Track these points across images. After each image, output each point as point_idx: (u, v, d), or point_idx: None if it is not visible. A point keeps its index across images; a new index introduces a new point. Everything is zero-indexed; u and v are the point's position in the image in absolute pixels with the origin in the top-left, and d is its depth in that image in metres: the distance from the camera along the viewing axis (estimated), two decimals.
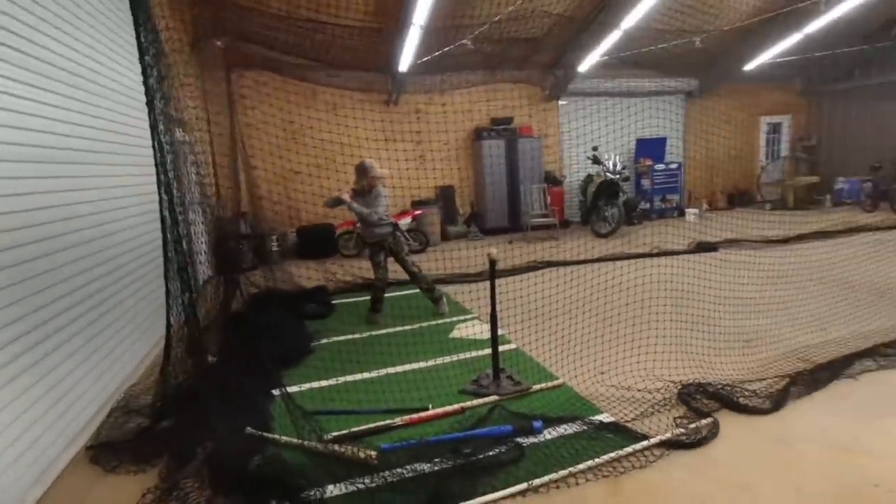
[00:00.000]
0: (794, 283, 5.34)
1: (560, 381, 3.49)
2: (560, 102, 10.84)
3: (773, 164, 12.31)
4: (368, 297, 5.18)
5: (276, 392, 3.49)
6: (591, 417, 2.97)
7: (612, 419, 2.95)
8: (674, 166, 11.09)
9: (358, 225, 8.60)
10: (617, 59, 9.45)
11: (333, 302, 5.76)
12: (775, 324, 4.32)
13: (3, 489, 2.32)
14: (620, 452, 2.59)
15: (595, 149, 9.39)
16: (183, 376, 3.53)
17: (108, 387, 3.54)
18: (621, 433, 2.79)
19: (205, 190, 4.50)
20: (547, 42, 9.10)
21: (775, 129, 12.69)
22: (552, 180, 10.36)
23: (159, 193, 3.18)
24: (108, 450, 2.86)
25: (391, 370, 3.83)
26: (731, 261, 6.02)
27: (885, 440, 2.67)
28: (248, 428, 2.94)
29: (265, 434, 2.91)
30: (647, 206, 11.01)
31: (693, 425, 2.81)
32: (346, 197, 4.79)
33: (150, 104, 3.01)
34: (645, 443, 2.66)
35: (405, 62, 8.44)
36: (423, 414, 3.07)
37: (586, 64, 9.39)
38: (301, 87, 8.92)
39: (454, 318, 5.08)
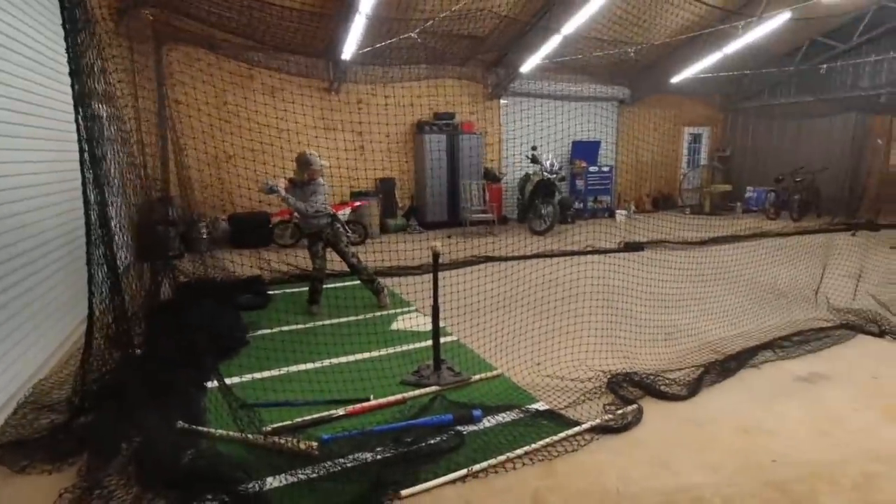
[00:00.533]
0: (709, 282, 5.82)
1: (498, 371, 3.61)
2: (502, 101, 11.07)
3: (693, 171, 13.28)
4: (307, 289, 5.08)
5: (209, 384, 3.36)
6: (528, 406, 3.10)
7: (546, 407, 3.10)
8: (606, 169, 11.67)
9: (295, 215, 8.39)
10: (557, 63, 9.80)
11: (270, 292, 5.58)
12: (693, 318, 4.70)
13: None
14: (554, 438, 2.73)
15: (534, 148, 9.69)
16: (105, 369, 3.30)
17: (13, 382, 3.24)
18: (555, 420, 2.95)
19: (130, 169, 4.20)
20: (491, 41, 9.26)
21: (696, 139, 13.68)
22: (491, 177, 10.57)
23: (82, 172, 2.94)
24: (16, 448, 2.63)
25: (332, 361, 3.79)
26: (655, 260, 6.47)
27: (780, 421, 3.00)
28: (180, 422, 2.81)
29: (198, 427, 2.80)
30: (581, 206, 11.52)
31: (620, 412, 3.01)
32: (281, 189, 4.64)
33: (73, 74, 2.77)
34: (577, 428, 2.82)
35: (349, 50, 8.27)
36: (364, 404, 3.07)
37: (528, 65, 9.65)
38: (238, 67, 8.50)
39: (395, 311, 5.09)
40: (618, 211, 11.41)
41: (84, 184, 2.96)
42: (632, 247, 8.00)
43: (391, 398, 3.16)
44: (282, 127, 8.45)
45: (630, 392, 3.28)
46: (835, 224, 9.62)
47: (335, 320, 4.75)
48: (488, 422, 2.93)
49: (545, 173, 9.64)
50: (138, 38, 5.09)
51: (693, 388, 3.32)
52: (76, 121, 2.86)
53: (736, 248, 7.70)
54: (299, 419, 2.90)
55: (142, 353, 3.71)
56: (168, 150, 5.88)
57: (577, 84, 11.27)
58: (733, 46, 9.66)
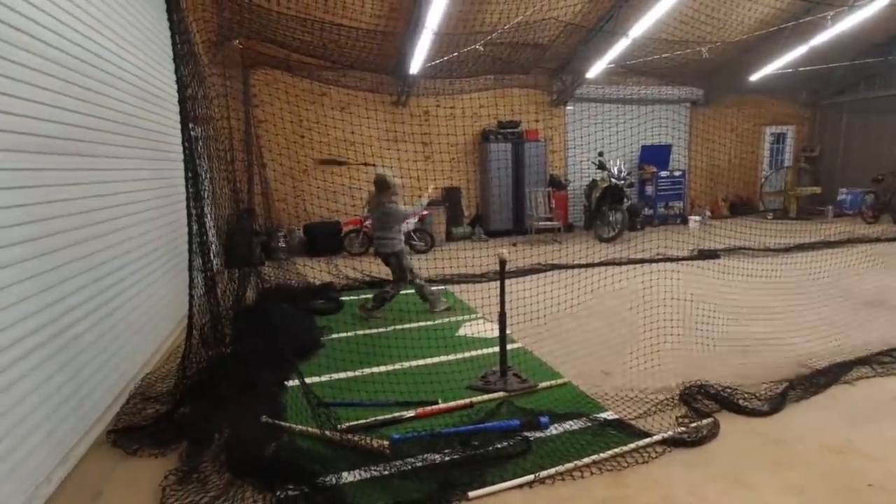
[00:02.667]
0: (794, 292, 5.44)
1: (565, 379, 3.59)
2: (567, 108, 10.96)
3: (776, 173, 12.42)
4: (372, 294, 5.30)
5: (288, 383, 3.60)
6: (596, 415, 3.07)
7: (615, 417, 3.05)
8: (678, 173, 11.19)
9: (366, 224, 8.74)
10: (624, 67, 9.58)
11: (341, 299, 5.86)
12: (776, 331, 4.41)
13: (28, 470, 2.42)
14: (623, 448, 2.69)
15: (601, 154, 9.51)
16: (200, 366, 3.64)
17: (126, 375, 3.65)
18: (624, 430, 2.90)
19: (223, 184, 4.61)
20: (555, 48, 9.22)
21: (779, 139, 12.80)
22: (556, 184, 10.47)
23: (186, 188, 3.28)
24: (128, 434, 2.97)
25: (401, 365, 3.94)
26: (733, 268, 6.12)
27: (877, 443, 2.77)
28: (264, 416, 3.04)
29: (280, 422, 3.02)
30: (651, 212, 11.12)
31: (694, 425, 2.91)
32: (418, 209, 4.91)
33: (180, 102, 3.11)
34: (647, 440, 2.76)
35: (416, 65, 8.56)
36: (433, 407, 3.17)
37: (594, 71, 9.51)
38: (311, 86, 9.04)
39: (460, 317, 5.18)
40: (691, 217, 10.89)
41: (187, 198, 3.29)
42: (706, 254, 7.62)
43: (458, 402, 3.24)
44: (351, 140, 8.86)
45: (705, 405, 3.15)
46: None
47: (403, 325, 4.92)
48: (555, 429, 2.93)
49: (613, 179, 9.42)
50: (229, 65, 5.57)
51: (776, 404, 3.13)
52: (182, 143, 3.19)
53: (826, 255, 7.13)
54: (371, 419, 3.04)
55: (230, 352, 4.05)
56: (252, 166, 6.35)
57: (645, 87, 10.94)
58: (821, 38, 8.99)
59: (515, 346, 4.29)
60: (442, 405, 3.21)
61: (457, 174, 10.45)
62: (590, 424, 2.98)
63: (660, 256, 7.44)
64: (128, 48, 4.26)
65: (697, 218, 10.76)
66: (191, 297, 3.36)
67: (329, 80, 9.19)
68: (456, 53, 7.74)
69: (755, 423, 3.01)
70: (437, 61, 8.68)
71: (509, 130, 10.23)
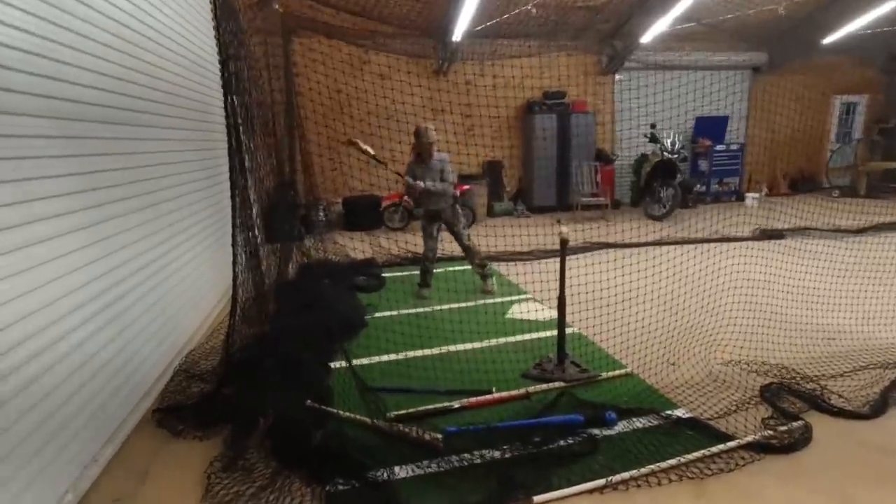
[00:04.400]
0: (871, 277, 4.93)
1: (628, 369, 3.31)
2: (616, 76, 10.31)
3: (845, 147, 11.45)
4: (417, 272, 5.09)
5: (333, 365, 3.45)
6: (667, 412, 2.79)
7: (690, 415, 2.76)
8: (735, 147, 10.45)
9: (405, 198, 8.52)
10: (685, 29, 8.86)
11: (384, 275, 5.68)
12: (855, 320, 3.98)
13: (78, 448, 2.35)
14: (705, 452, 2.41)
15: (653, 126, 8.92)
16: (241, 344, 3.53)
17: (171, 350, 3.58)
18: (702, 431, 2.61)
19: (266, 155, 4.44)
20: (609, 9, 8.60)
21: (849, 109, 11.76)
22: (604, 158, 9.94)
23: (230, 158, 3.11)
24: (173, 414, 2.88)
25: (449, 349, 3.73)
26: (800, 250, 5.59)
27: None
28: (309, 401, 2.90)
29: (326, 408, 2.86)
30: (703, 188, 10.47)
31: (783, 428, 2.59)
32: (420, 185, 4.62)
33: (223, 63, 2.90)
34: (731, 444, 2.47)
35: (459, 29, 8.13)
36: (486, 397, 2.96)
37: (651, 33, 8.83)
38: (350, 56, 8.73)
39: (508, 298, 4.93)
40: (748, 194, 10.19)
41: (231, 169, 3.12)
42: (769, 234, 7.07)
43: (514, 392, 3.02)
44: (391, 111, 8.56)
45: (791, 404, 2.82)
46: None
47: (449, 305, 4.70)
48: (623, 426, 2.67)
49: (665, 153, 8.83)
50: (269, 32, 5.35)
51: (878, 407, 2.77)
52: (225, 108, 3.00)
53: None
54: (422, 408, 2.86)
55: (273, 331, 3.93)
56: (294, 138, 6.18)
57: (704, 53, 10.15)
58: None
59: (570, 330, 4.00)
60: (496, 395, 2.99)
61: (499, 147, 10.03)
62: (661, 422, 2.71)
63: (717, 236, 6.94)
64: (168, 13, 4.09)
65: (755, 195, 10.05)
66: (235, 273, 3.22)
67: (369, 46, 8.86)
68: (506, 16, 7.27)
69: (851, 427, 2.67)
70: (482, 26, 8.22)
71: (555, 101, 9.70)
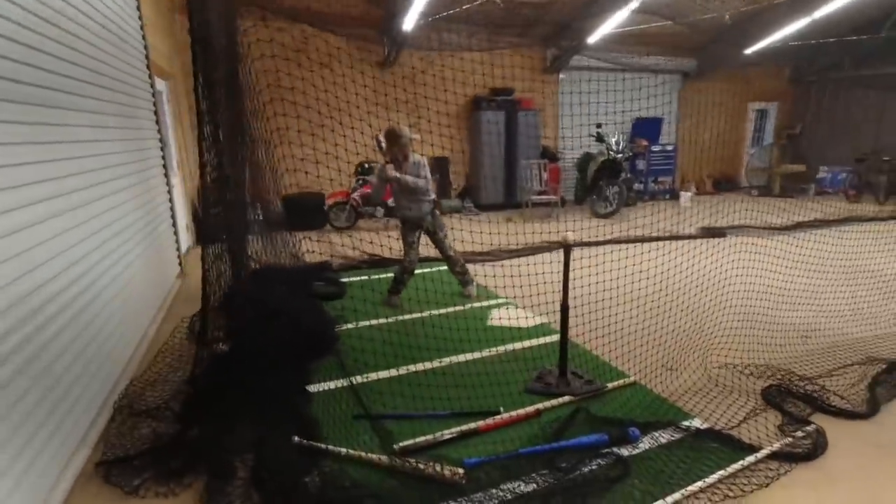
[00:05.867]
0: (819, 273, 5.24)
1: (632, 378, 3.18)
2: (560, 76, 10.43)
3: (761, 150, 12.43)
4: (377, 275, 4.72)
5: (312, 388, 3.03)
6: (685, 423, 2.67)
7: (706, 425, 2.67)
8: (669, 148, 10.97)
9: (354, 196, 8.03)
10: (627, 34, 9.09)
11: (342, 280, 5.24)
12: (822, 316, 4.16)
13: None
14: (735, 467, 2.30)
15: (599, 125, 9.10)
16: (196, 370, 3.01)
17: (109, 379, 2.97)
18: (724, 442, 2.51)
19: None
20: (557, 7, 8.62)
21: (762, 115, 12.78)
22: (550, 156, 10.01)
23: (200, 145, 2.60)
24: (124, 465, 2.33)
25: (438, 364, 3.42)
26: (745, 247, 5.86)
27: None
28: (295, 437, 2.48)
29: (317, 444, 2.46)
30: (641, 187, 10.89)
31: (799, 434, 2.56)
32: (394, 173, 4.25)
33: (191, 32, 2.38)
34: (756, 455, 2.39)
35: (408, 21, 7.76)
36: (497, 419, 2.69)
37: (596, 35, 8.98)
38: (293, 39, 8.07)
39: (486, 303, 4.69)
40: (682, 192, 10.73)
41: (200, 159, 2.62)
42: (713, 232, 7.41)
43: (524, 410, 2.77)
44: (333, 105, 8.03)
45: (797, 407, 2.82)
46: None
47: (423, 314, 4.38)
48: (646, 443, 2.52)
49: (611, 152, 9.04)
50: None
51: (872, 406, 2.83)
52: (196, 88, 2.50)
53: (827, 233, 7.04)
54: (429, 436, 2.53)
55: (235, 350, 3.41)
56: (237, 128, 5.52)
57: (639, 56, 10.53)
58: (825, 10, 8.78)
59: (558, 337, 3.84)
60: (506, 415, 2.73)
61: (445, 143, 9.79)
62: (682, 436, 2.59)
63: (667, 234, 7.16)
64: None
65: (689, 194, 10.61)
66: (205, 273, 2.70)
67: (309, 34, 8.24)
68: (459, 9, 7.01)
69: (857, 428, 2.69)
70: (431, 18, 7.91)
71: (503, 97, 9.62)
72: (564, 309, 3.08)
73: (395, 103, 8.68)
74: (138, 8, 5.09)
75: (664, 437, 2.57)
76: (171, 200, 5.75)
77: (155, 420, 2.70)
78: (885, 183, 9.85)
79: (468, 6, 6.89)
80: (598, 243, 6.67)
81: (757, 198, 11.09)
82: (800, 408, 2.82)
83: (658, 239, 6.82)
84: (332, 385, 3.12)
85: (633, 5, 7.78)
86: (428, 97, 9.24)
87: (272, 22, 7.35)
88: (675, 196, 10.97)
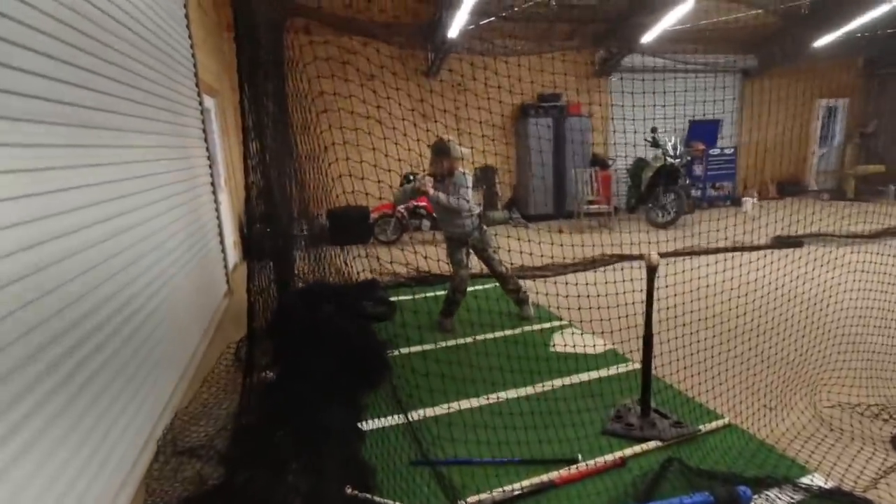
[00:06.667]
0: None
1: (725, 420, 2.76)
2: (611, 79, 9.97)
3: (830, 150, 11.51)
4: (425, 294, 4.45)
5: (365, 426, 2.77)
6: (803, 480, 2.25)
7: (831, 483, 2.23)
8: (729, 151, 10.28)
9: (399, 209, 7.84)
10: (676, 32, 8.58)
11: (391, 299, 4.99)
12: None
13: None
14: None
15: (654, 130, 8.58)
16: (245, 402, 2.81)
17: (153, 413, 2.81)
18: None
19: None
20: (606, 8, 8.21)
21: (831, 113, 11.85)
22: (600, 163, 9.55)
23: (246, 155, 2.43)
24: None
25: (499, 396, 3.10)
26: (829, 260, 5.26)
27: None
28: (348, 487, 2.21)
29: (373, 497, 2.18)
30: (698, 194, 10.24)
31: None
32: (430, 188, 4.02)
33: (238, 38, 2.21)
34: None
35: (452, 29, 7.55)
36: (576, 470, 2.34)
37: (650, 35, 8.50)
38: (335, 52, 8.01)
39: (547, 325, 4.34)
40: (745, 198, 10.01)
41: (248, 170, 2.45)
42: (787, 242, 6.77)
43: (606, 459, 2.42)
44: (375, 116, 7.87)
45: None
46: None
47: (478, 337, 4.07)
48: None
49: (668, 157, 8.50)
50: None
51: None
52: (242, 95, 2.32)
53: None
54: (501, 489, 2.21)
55: (276, 381, 3.20)
56: (285, 143, 5.44)
57: (694, 55, 9.93)
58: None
59: (630, 367, 3.46)
60: (584, 465, 2.38)
61: (491, 153, 9.49)
62: (803, 497, 2.16)
63: (736, 245, 6.59)
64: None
65: (753, 200, 9.88)
66: (251, 301, 2.51)
67: (351, 47, 8.16)
68: (503, 14, 6.74)
69: None
70: (474, 25, 7.67)
71: (550, 104, 9.26)
72: (648, 339, 2.71)
73: (440, 113, 8.47)
74: (188, 27, 5.07)
75: (782, 498, 2.15)
76: (218, 217, 5.70)
77: (199, 461, 2.50)
78: None
79: (517, 8, 6.59)
80: (667, 255, 6.18)
81: (829, 202, 10.21)
82: None
83: (730, 250, 6.26)
84: (385, 422, 2.85)
85: (686, 6, 7.28)
86: (472, 107, 8.99)
87: (316, 36, 7.30)
88: (736, 202, 10.25)
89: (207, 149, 5.55)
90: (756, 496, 2.14)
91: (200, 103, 5.36)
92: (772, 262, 4.84)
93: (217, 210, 5.69)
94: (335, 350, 3.37)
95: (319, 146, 5.83)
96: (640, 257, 5.92)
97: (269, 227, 4.25)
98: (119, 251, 2.67)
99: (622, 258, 6.31)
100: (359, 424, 2.77)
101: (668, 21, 8.09)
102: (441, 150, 4.09)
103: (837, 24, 9.02)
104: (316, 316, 3.94)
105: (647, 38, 8.68)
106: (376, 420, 2.87)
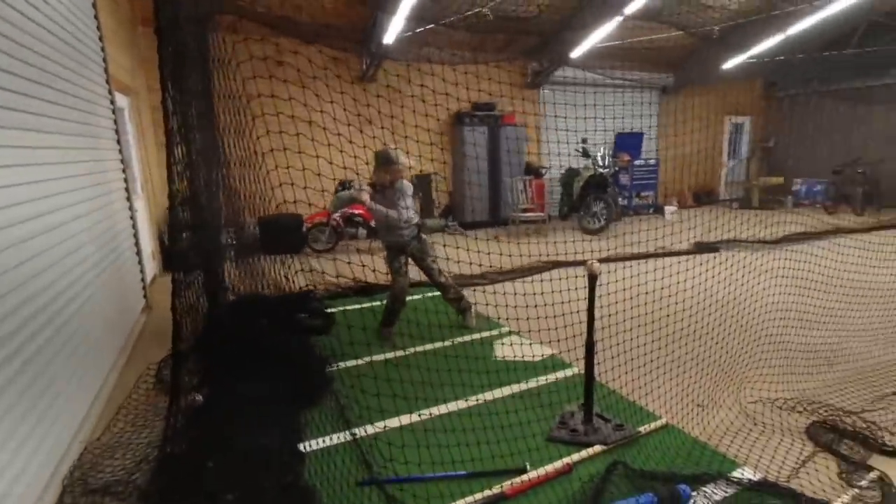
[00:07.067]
0: (823, 291, 5.08)
1: (663, 420, 2.87)
2: (542, 91, 10.31)
3: (737, 163, 12.57)
4: (367, 304, 4.33)
5: (305, 447, 2.61)
6: (735, 474, 2.37)
7: (759, 475, 2.37)
8: (652, 162, 10.93)
9: (335, 216, 7.62)
10: (602, 49, 9.04)
11: (328, 311, 4.81)
12: (840, 338, 3.97)
13: None
14: None
15: (584, 141, 8.93)
16: (167, 429, 2.55)
17: (59, 444, 2.49)
18: (785, 498, 2.21)
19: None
20: (539, 23, 8.49)
21: (738, 129, 12.96)
22: (534, 172, 9.82)
23: (169, 167, 2.21)
24: None
25: (445, 408, 3.04)
26: (742, 263, 5.71)
27: None
28: None
29: None
30: (624, 202, 10.79)
31: (863, 483, 2.28)
32: (366, 197, 3.92)
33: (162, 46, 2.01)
34: None
35: (388, 36, 7.49)
36: (525, 479, 2.32)
37: (580, 50, 8.88)
38: (268, 51, 7.69)
39: (487, 333, 4.34)
40: (666, 207, 10.68)
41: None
42: (705, 247, 7.27)
43: (554, 466, 2.42)
44: (307, 120, 7.65)
45: (850, 449, 2.55)
46: None
47: (421, 348, 4.00)
48: (698, 502, 2.19)
49: (597, 167, 8.90)
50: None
51: None
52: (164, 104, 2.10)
53: (819, 247, 6.98)
54: None
55: (205, 403, 2.96)
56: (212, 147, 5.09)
57: (619, 71, 10.51)
58: (797, 28, 8.92)
59: (571, 372, 3.53)
60: (533, 474, 2.37)
61: (427, 161, 9.48)
62: (736, 490, 2.27)
63: (662, 251, 6.97)
64: None
65: (673, 208, 10.56)
66: (177, 319, 2.29)
67: (286, 48, 7.87)
68: (445, 22, 6.77)
69: None
70: (412, 31, 7.66)
71: (485, 113, 9.41)
72: (590, 346, 2.76)
73: (376, 119, 8.35)
74: (96, 17, 4.64)
75: (717, 492, 2.25)
76: (134, 226, 5.25)
77: (115, 499, 2.23)
78: (861, 194, 10.00)
79: (452, 18, 6.64)
80: (602, 261, 6.41)
81: (737, 210, 11.13)
82: (854, 450, 2.55)
83: (659, 255, 6.61)
84: (328, 441, 2.70)
85: (618, 19, 7.70)
86: (408, 115, 8.95)
87: (247, 34, 6.98)
88: (658, 210, 10.91)
89: (121, 151, 5.11)
90: (694, 493, 2.22)
91: (112, 102, 4.92)
92: (695, 267, 5.13)
93: (133, 218, 5.24)
94: (270, 367, 3.18)
95: (250, 151, 5.55)
96: (581, 264, 6.09)
97: (198, 236, 3.96)
98: (23, 261, 2.36)
99: (558, 265, 6.48)
100: (299, 446, 2.60)
101: (596, 38, 8.49)
102: (387, 160, 4.00)
103: (742, 49, 9.89)
104: (248, 331, 3.71)
105: (577, 53, 9.07)
106: (318, 440, 2.71)
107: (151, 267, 6.15)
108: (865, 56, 10.50)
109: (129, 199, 5.18)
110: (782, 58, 10.05)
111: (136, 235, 5.25)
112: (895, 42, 10.11)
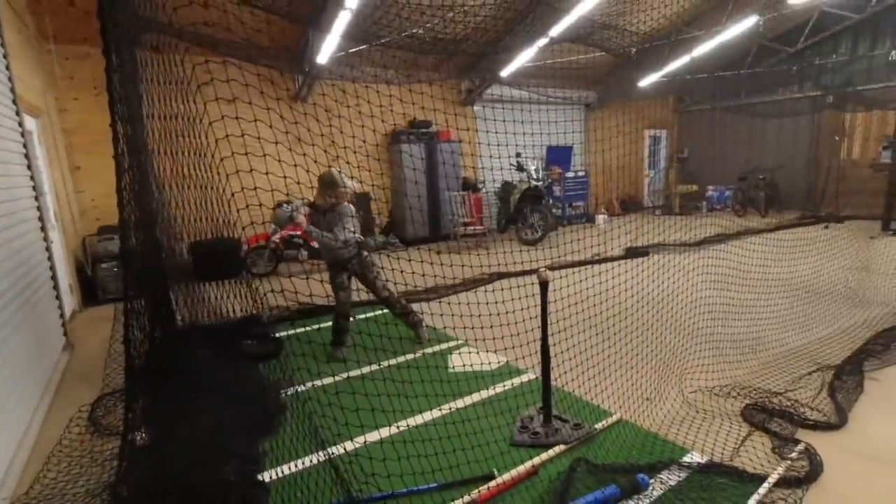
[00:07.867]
0: (741, 286, 5.56)
1: (616, 416, 3.02)
2: (475, 108, 10.62)
3: (658, 173, 13.51)
4: (315, 326, 4.25)
5: (267, 478, 2.50)
6: (685, 460, 2.54)
7: (706, 458, 2.55)
8: (582, 174, 11.51)
9: (274, 238, 7.40)
10: (538, 68, 9.50)
11: (276, 335, 4.63)
12: (759, 328, 4.36)
13: None
14: (754, 501, 2.18)
15: (518, 155, 9.29)
16: (110, 476, 2.37)
17: None
18: (730, 476, 2.40)
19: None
20: (469, 43, 8.77)
21: (656, 141, 13.96)
22: (472, 187, 10.05)
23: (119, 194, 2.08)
24: None
25: (406, 424, 3.03)
26: (668, 265, 6.14)
27: None
28: None
29: None
30: (559, 213, 11.27)
31: (793, 455, 2.52)
32: (303, 219, 3.88)
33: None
34: (767, 485, 2.29)
35: (322, 55, 7.46)
36: (493, 485, 2.36)
37: (510, 69, 9.26)
38: (192, 72, 7.40)
39: (438, 347, 4.36)
40: (598, 216, 11.26)
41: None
42: (636, 252, 7.74)
43: (520, 470, 2.48)
44: (240, 141, 7.44)
45: (780, 425, 2.81)
46: (808, 218, 9.99)
47: (375, 366, 3.95)
48: (657, 488, 2.33)
49: (532, 180, 9.25)
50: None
51: (842, 415, 2.90)
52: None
53: (733, 246, 7.63)
54: None
55: (150, 443, 2.76)
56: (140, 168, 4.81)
57: (546, 89, 11.05)
58: (701, 50, 9.83)
59: (526, 378, 3.63)
60: (501, 479, 2.41)
61: (366, 179, 9.46)
62: (687, 474, 2.44)
63: (601, 256, 7.35)
64: None
65: (605, 217, 11.15)
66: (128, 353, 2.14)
67: (212, 68, 7.62)
68: (375, 43, 6.84)
69: (835, 440, 2.73)
70: (346, 51, 7.69)
71: (422, 130, 9.55)
72: (545, 351, 2.87)
73: (310, 137, 8.25)
74: None
75: (672, 478, 2.40)
76: (50, 258, 4.83)
77: None
78: (763, 198, 11.06)
79: (387, 39, 6.74)
80: (530, 272, 6.63)
81: (661, 216, 11.93)
82: (782, 426, 2.81)
83: (596, 262, 6.95)
84: (299, 465, 2.60)
85: (544, 41, 8.13)
86: (345, 133, 8.89)
87: (169, 52, 6.71)
88: (590, 220, 11.48)
89: (33, 178, 4.72)
90: (652, 480, 2.36)
91: (20, 124, 4.55)
92: (629, 270, 5.47)
93: (48, 250, 4.83)
94: (217, 398, 3.03)
95: (183, 172, 5.30)
96: (523, 274, 6.28)
97: (143, 265, 3.73)
98: None
99: (502, 276, 6.66)
100: (259, 476, 2.49)
101: (525, 58, 8.90)
102: (330, 183, 3.97)
103: (656, 68, 10.73)
104: (189, 363, 3.52)
105: (507, 71, 9.45)
106: (287, 465, 2.61)
107: (70, 301, 5.67)
108: (757, 76, 11.75)
109: (43, 229, 4.78)
110: (689, 77, 11.04)
111: (52, 268, 4.84)
112: (782, 63, 11.39)
